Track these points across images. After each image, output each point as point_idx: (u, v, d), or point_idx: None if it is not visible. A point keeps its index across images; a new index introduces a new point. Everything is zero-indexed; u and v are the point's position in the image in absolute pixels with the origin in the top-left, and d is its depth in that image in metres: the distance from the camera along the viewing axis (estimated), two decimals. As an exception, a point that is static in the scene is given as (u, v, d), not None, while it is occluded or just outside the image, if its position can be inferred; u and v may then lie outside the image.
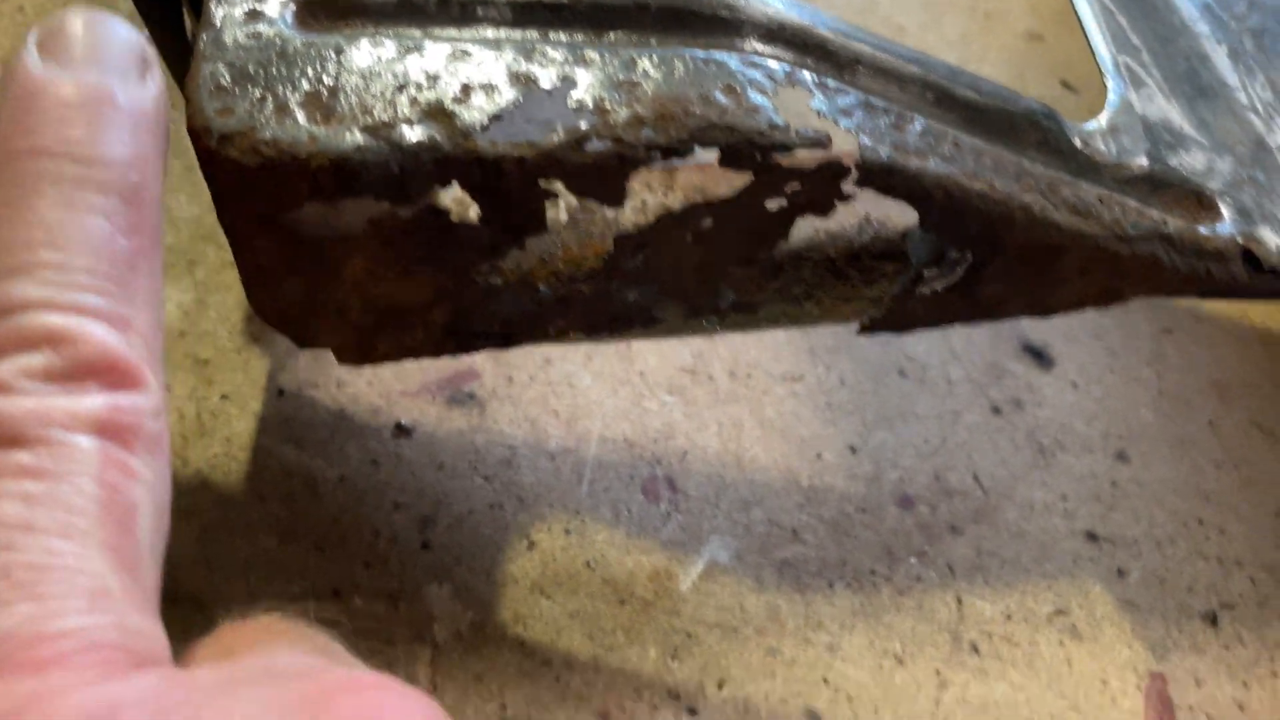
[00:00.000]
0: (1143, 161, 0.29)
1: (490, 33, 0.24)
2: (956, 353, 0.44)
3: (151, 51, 0.20)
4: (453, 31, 0.24)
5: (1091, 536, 0.40)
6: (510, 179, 0.22)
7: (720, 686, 0.32)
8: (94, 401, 0.16)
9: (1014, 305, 0.28)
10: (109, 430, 0.16)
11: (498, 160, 0.22)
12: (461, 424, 0.35)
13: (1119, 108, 0.30)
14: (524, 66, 0.23)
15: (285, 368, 0.35)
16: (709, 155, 0.24)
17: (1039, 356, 0.45)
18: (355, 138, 0.22)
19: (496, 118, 0.22)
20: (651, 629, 0.33)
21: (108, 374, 0.16)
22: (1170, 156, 0.30)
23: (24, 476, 0.15)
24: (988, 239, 0.26)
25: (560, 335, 0.27)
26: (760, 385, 0.40)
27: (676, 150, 0.23)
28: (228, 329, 0.35)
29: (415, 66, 0.23)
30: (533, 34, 0.24)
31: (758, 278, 0.30)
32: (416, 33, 0.24)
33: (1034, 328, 0.46)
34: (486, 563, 0.32)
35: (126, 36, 0.20)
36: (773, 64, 0.24)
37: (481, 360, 0.37)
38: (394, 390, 0.35)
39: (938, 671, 0.35)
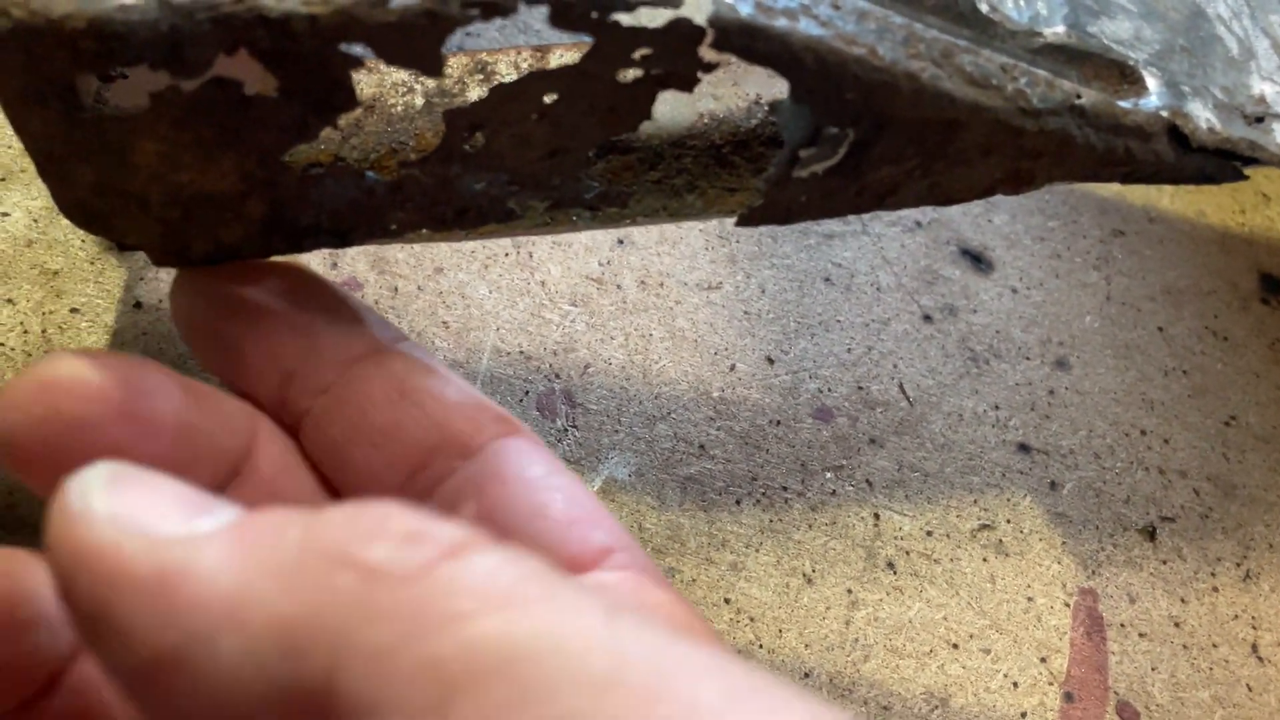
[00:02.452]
0: (1059, 29, 0.26)
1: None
2: (888, 258, 0.41)
3: None
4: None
5: (1024, 448, 0.38)
6: (303, 42, 0.19)
7: (612, 610, 0.30)
8: None
9: (911, 191, 0.25)
10: None
11: (285, 19, 0.19)
12: (338, 337, 0.33)
13: (1036, -30, 0.27)
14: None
15: (144, 279, 0.32)
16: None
17: (977, 260, 0.42)
18: (120, -4, 0.19)
19: (287, -29, 0.19)
20: (539, 551, 0.31)
21: None
22: (1091, 23, 0.27)
23: None
24: (870, 113, 0.23)
25: (404, 231, 0.24)
26: (673, 294, 0.37)
27: (497, 7, 0.20)
28: (81, 237, 0.32)
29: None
30: None
31: (634, 167, 0.27)
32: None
33: (974, 231, 0.43)
34: (359, 483, 0.30)
35: None
36: (622, -90, 0.21)
37: (365, 270, 0.34)
38: (264, 302, 0.32)
39: (849, 590, 0.33)
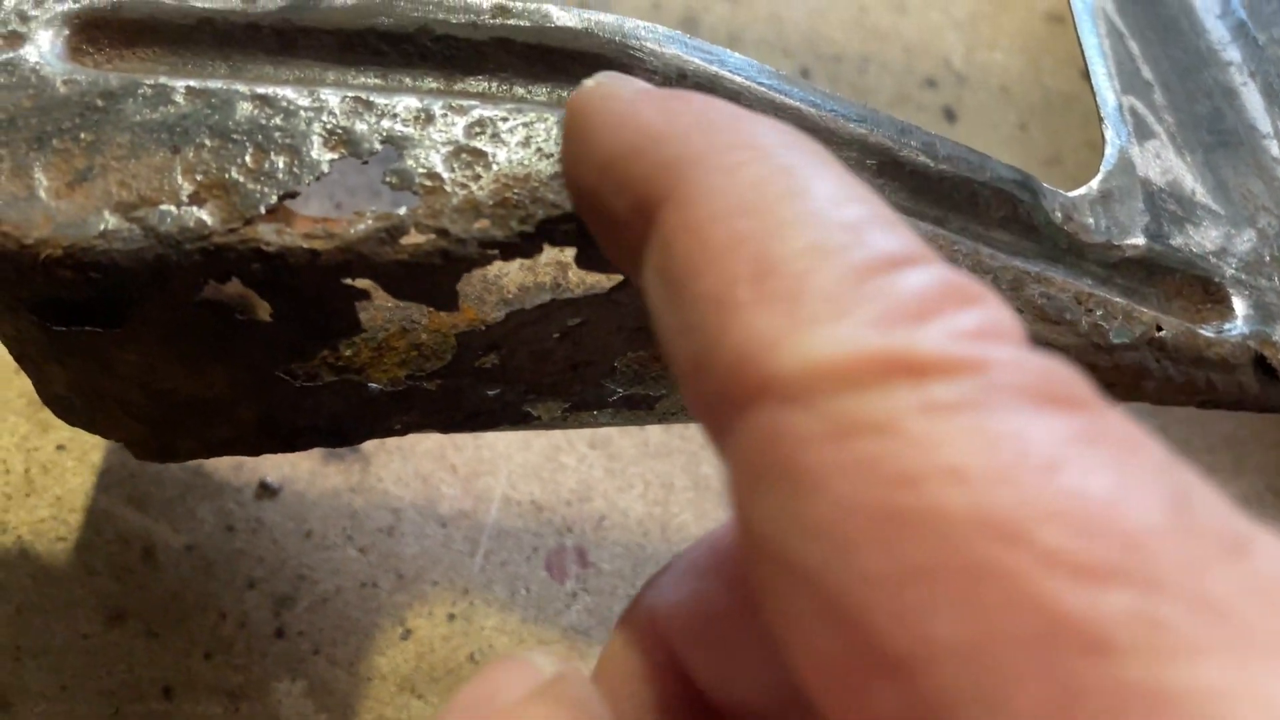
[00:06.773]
0: (1138, 241, 0.24)
1: (311, 71, 0.19)
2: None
3: None
4: (266, 69, 0.19)
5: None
6: (303, 276, 0.17)
7: (612, 806, 0.28)
8: None
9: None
10: None
11: (283, 254, 0.17)
12: (339, 482, 0.31)
13: (1116, 167, 0.25)
14: (342, 120, 0.18)
15: (139, 411, 0.30)
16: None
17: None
18: (103, 220, 0.17)
19: (290, 194, 0.17)
20: (538, 735, 0.29)
21: None
22: (1175, 233, 0.24)
23: None
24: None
25: (408, 430, 0.23)
26: (699, 437, 0.35)
27: (518, 249, 0.18)
28: (75, 363, 0.30)
29: (203, 120, 0.18)
30: (363, 77, 0.19)
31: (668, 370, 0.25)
32: (220, 68, 0.19)
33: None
34: (350, 654, 0.28)
35: None
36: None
37: (372, 404, 0.32)
38: (264, 440, 0.31)
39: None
